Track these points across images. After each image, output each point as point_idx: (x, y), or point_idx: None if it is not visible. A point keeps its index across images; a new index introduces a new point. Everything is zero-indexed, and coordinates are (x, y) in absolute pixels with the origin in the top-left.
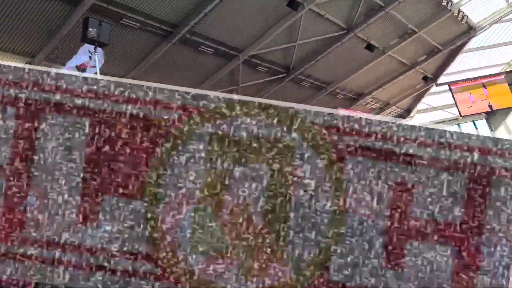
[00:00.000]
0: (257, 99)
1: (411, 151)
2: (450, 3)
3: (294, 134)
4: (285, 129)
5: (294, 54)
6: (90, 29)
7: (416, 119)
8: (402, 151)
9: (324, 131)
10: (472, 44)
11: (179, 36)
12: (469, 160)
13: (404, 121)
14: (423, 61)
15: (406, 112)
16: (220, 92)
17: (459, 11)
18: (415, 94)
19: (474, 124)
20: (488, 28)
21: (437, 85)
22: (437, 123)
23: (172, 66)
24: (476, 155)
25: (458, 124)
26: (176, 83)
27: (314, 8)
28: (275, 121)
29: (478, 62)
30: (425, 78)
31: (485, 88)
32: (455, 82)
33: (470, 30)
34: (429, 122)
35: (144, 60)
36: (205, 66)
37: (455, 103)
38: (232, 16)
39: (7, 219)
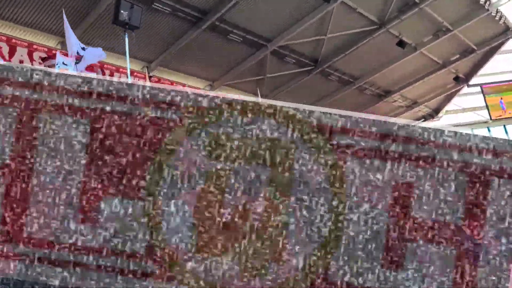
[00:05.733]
0: (257, 99)
1: (411, 151)
2: (488, 2)
3: (294, 134)
4: (285, 128)
5: (323, 47)
6: (121, 11)
7: (444, 120)
8: (403, 151)
9: (324, 130)
10: (509, 45)
11: (209, 23)
12: (469, 160)
13: (410, 122)
14: (456, 60)
15: (434, 112)
16: (247, 81)
17: (497, 11)
18: (445, 94)
19: (505, 129)
20: None
21: (468, 86)
22: (466, 125)
23: (200, 53)
24: (476, 155)
25: (488, 128)
26: (203, 70)
27: (347, 1)
28: (275, 121)
29: None
30: (456, 79)
31: None
32: (488, 84)
33: (507, 31)
34: (457, 124)
35: (173, 45)
36: (233, 54)
37: (486, 105)
38: (262, 5)
39: (8, 219)
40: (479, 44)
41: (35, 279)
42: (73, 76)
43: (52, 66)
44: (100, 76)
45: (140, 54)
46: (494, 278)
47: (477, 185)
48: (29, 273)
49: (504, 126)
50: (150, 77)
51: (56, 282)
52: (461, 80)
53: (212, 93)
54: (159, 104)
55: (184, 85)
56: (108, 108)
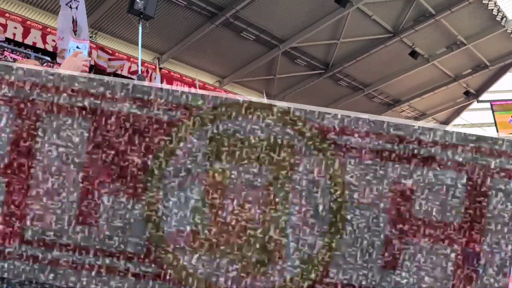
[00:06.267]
0: (257, 99)
1: (411, 151)
2: (505, 18)
3: (295, 134)
4: (286, 128)
5: (335, 52)
6: (137, 0)
7: None
8: (403, 152)
9: (324, 130)
10: None
11: (223, 19)
12: (469, 160)
13: (412, 122)
14: (468, 75)
15: (442, 126)
16: (256, 79)
17: None
18: (454, 108)
19: None
20: None
21: (478, 101)
22: None
23: (212, 49)
24: (476, 155)
25: None
26: (213, 66)
27: (363, 8)
28: (277, 121)
29: None
30: (466, 93)
31: None
32: (499, 101)
33: None
34: None
35: (185, 39)
36: (244, 52)
37: (495, 122)
38: (277, 5)
39: (7, 219)
40: (492, 60)
41: (34, 278)
42: (73, 76)
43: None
44: (102, 76)
45: (152, 45)
46: (494, 278)
47: (478, 185)
48: (28, 272)
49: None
50: (160, 68)
51: (55, 282)
52: (471, 95)
53: (214, 93)
54: (160, 103)
55: (193, 80)
56: (109, 107)
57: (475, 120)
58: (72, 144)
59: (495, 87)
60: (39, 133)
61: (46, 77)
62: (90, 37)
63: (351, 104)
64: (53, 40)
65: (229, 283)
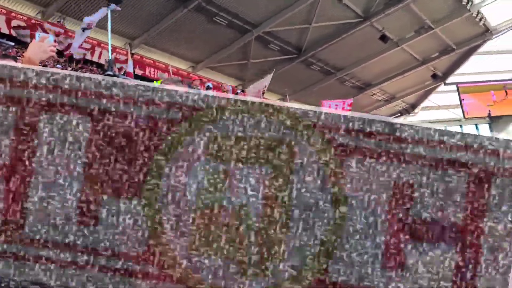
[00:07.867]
0: (256, 99)
1: (411, 150)
2: (470, 3)
3: (295, 134)
4: (285, 128)
5: (308, 36)
6: None
7: (420, 116)
8: (402, 151)
9: (323, 130)
10: (486, 47)
11: (195, 3)
12: (469, 160)
13: (405, 120)
14: (435, 58)
15: (411, 108)
16: (230, 64)
17: (478, 12)
18: (422, 90)
19: (477, 127)
20: (505, 32)
21: (445, 84)
22: (440, 122)
23: (184, 34)
24: (476, 155)
25: (461, 126)
26: (187, 51)
27: None
28: (275, 120)
29: (490, 66)
30: (434, 76)
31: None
32: (464, 83)
33: (486, 33)
34: (432, 120)
35: (157, 24)
36: (217, 37)
37: (461, 104)
38: None
39: (7, 219)
40: (458, 44)
41: (33, 279)
42: (73, 76)
43: (27, 36)
44: (103, 77)
45: (123, 30)
46: (494, 279)
47: (478, 185)
48: (27, 273)
49: (476, 125)
50: (132, 54)
51: (54, 282)
52: (439, 77)
53: (212, 93)
54: (159, 104)
55: (167, 65)
56: (108, 108)
57: (442, 102)
58: (71, 145)
59: (461, 70)
60: (39, 133)
61: (47, 77)
62: (58, 21)
63: (323, 88)
64: (18, 26)
65: (229, 282)
